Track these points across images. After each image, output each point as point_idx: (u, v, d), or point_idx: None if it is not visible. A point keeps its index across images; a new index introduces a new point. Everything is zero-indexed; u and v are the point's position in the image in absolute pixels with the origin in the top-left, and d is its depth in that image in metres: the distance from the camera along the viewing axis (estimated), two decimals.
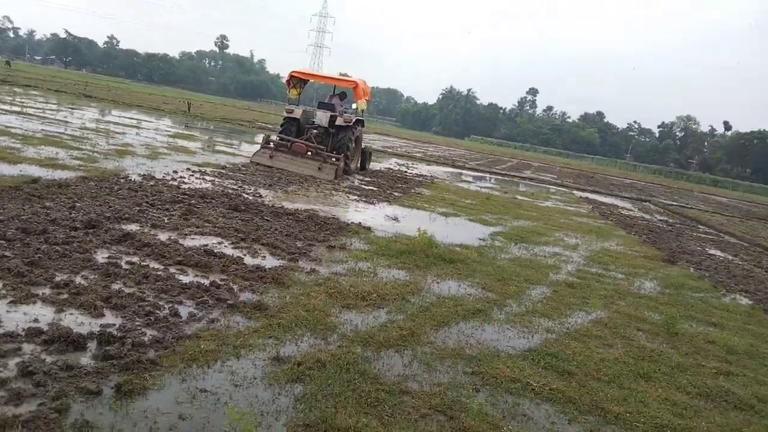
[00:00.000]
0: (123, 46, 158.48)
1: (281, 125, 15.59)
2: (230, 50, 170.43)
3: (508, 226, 11.38)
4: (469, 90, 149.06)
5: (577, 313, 6.11)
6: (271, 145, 14.39)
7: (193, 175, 10.63)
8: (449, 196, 14.86)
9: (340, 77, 19.92)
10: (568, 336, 5.31)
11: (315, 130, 14.92)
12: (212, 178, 10.70)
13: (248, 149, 18.27)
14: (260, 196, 9.68)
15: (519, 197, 18.03)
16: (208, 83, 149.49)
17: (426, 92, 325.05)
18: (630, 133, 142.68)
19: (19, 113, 16.66)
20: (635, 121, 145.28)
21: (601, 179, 41.67)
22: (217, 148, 17.00)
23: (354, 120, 15.19)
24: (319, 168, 13.74)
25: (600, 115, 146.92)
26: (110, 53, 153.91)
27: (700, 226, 18.82)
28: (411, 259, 7.11)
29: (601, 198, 24.16)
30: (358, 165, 16.75)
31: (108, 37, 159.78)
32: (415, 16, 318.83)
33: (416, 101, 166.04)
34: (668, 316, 6.30)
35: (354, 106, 16.38)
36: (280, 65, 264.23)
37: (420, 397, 3.60)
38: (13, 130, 12.44)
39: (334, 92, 16.87)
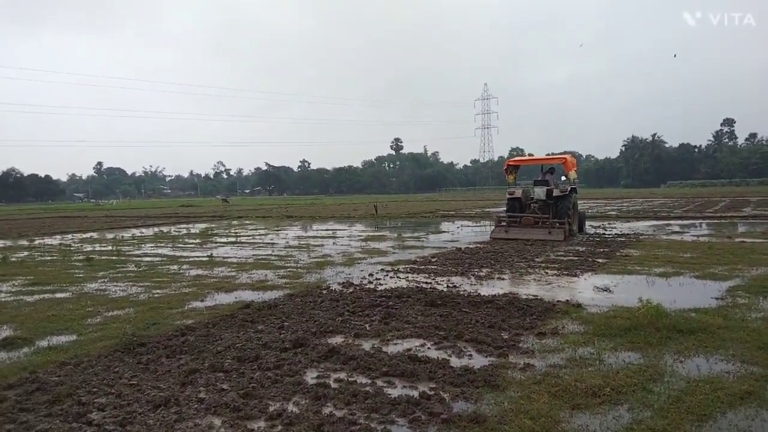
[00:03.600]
0: (314, 166, 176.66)
1: (506, 205, 18.67)
2: (405, 149, 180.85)
3: (747, 277, 9.58)
4: (654, 135, 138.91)
5: None
6: (503, 223, 17.63)
7: (387, 275, 10.71)
8: (662, 252, 13.19)
9: (549, 156, 24.77)
10: None
11: (535, 204, 17.64)
12: (405, 275, 10.67)
13: (434, 239, 18.34)
14: (454, 286, 9.34)
15: (748, 240, 15.47)
16: (389, 184, 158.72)
17: (605, 146, 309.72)
18: None
19: (234, 243, 18.69)
20: None
21: None
22: (406, 243, 17.28)
23: (569, 189, 17.43)
24: (549, 232, 16.43)
25: None
26: (304, 175, 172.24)
27: None
28: (639, 335, 6.10)
29: None
30: (576, 228, 18.22)
31: (300, 161, 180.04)
32: (575, 77, 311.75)
33: (596, 158, 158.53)
34: None
35: (563, 178, 18.49)
36: (452, 154, 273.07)
37: None
38: (229, 260, 13.83)
39: (542, 169, 19.38)
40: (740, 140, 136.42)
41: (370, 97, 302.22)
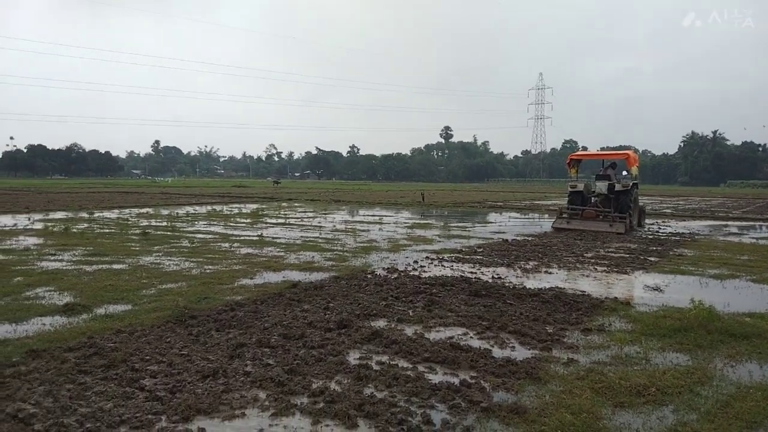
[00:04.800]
0: (363, 152, 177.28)
1: (568, 198, 18.98)
2: (454, 138, 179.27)
3: None
4: (715, 132, 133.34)
5: None
6: (565, 215, 18.19)
7: (432, 263, 10.73)
8: (718, 253, 12.73)
9: (612, 152, 24.77)
10: None
11: (597, 198, 18.21)
12: (450, 264, 10.67)
13: (480, 230, 18.22)
14: (500, 278, 9.28)
15: None
16: (437, 172, 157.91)
17: (663, 142, 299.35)
18: None
19: (283, 224, 19.04)
20: None
21: None
22: (452, 232, 17.22)
23: (631, 185, 17.71)
24: (610, 225, 16.88)
25: None
26: (353, 160, 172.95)
27: None
28: (688, 337, 5.94)
29: None
30: (636, 222, 18.60)
31: (350, 146, 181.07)
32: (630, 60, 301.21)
33: (653, 153, 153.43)
34: None
35: (624, 173, 18.55)
36: (503, 144, 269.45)
37: None
38: (278, 240, 14.11)
39: (603, 164, 19.70)
40: None
41: (423, 84, 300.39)
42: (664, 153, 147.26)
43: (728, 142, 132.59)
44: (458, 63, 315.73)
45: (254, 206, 29.52)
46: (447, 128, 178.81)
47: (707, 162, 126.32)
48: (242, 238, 14.64)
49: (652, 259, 11.77)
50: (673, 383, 4.62)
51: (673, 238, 16.13)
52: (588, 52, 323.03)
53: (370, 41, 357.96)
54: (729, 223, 22.97)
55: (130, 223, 18.70)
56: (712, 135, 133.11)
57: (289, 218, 21.89)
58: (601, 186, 18.08)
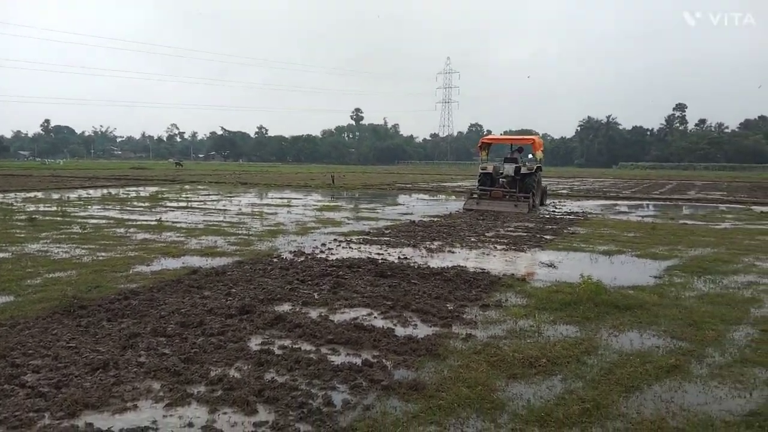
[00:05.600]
0: (272, 133, 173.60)
1: (478, 179, 20.11)
2: (365, 121, 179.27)
3: (685, 257, 10.00)
4: (608, 117, 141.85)
5: None
6: (475, 195, 19.23)
7: (339, 245, 10.73)
8: (608, 231, 13.62)
9: (519, 137, 27.82)
10: None
11: (504, 179, 19.43)
12: (358, 246, 10.72)
13: (389, 212, 18.42)
14: (405, 258, 9.43)
15: (689, 222, 16.11)
16: (348, 155, 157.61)
17: (561, 126, 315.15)
18: None
19: (185, 208, 18.32)
20: None
21: None
22: (361, 214, 17.30)
23: (535, 168, 19.52)
24: (515, 205, 17.98)
25: (764, 119, 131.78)
26: (261, 141, 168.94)
27: None
28: (578, 310, 6.32)
29: None
30: (539, 202, 20.11)
31: (258, 127, 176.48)
32: (533, 49, 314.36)
33: (552, 137, 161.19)
34: None
35: (530, 156, 20.74)
36: (412, 127, 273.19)
37: None
38: (179, 225, 13.57)
39: (511, 148, 21.20)
40: (690, 125, 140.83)
41: (332, 65, 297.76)
42: (562, 137, 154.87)
43: (620, 127, 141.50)
44: (369, 45, 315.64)
45: (154, 189, 28.21)
46: (358, 110, 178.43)
47: (601, 145, 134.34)
48: (139, 223, 13.95)
49: (548, 237, 12.39)
50: (562, 354, 4.89)
51: (568, 217, 17.05)
52: (494, 37, 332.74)
53: (280, 19, 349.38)
54: (619, 202, 24.61)
55: (15, 208, 17.31)
56: (605, 120, 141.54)
57: (191, 202, 21.09)
58: (509, 168, 19.49)
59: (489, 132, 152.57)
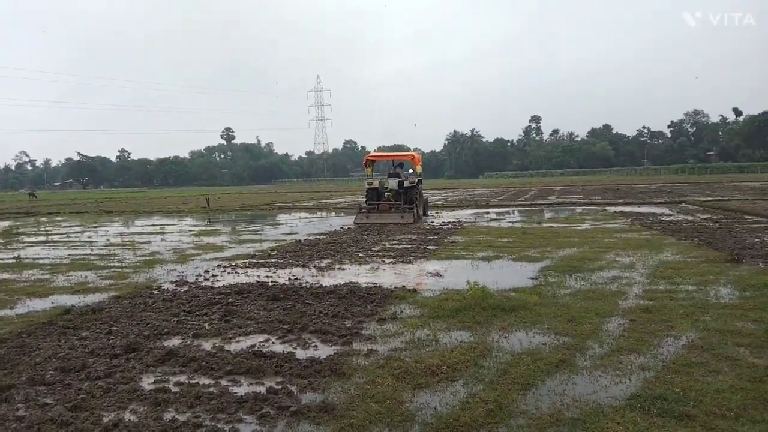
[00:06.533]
0: (135, 156, 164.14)
1: (366, 194, 21.23)
2: (237, 140, 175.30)
3: (555, 258, 10.82)
4: (472, 130, 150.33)
5: (665, 341, 5.51)
6: (364, 210, 20.05)
7: (224, 271, 10.37)
8: (484, 238, 14.38)
9: (400, 153, 31.10)
10: (668, 370, 4.72)
11: (389, 193, 20.53)
12: (244, 270, 10.43)
13: (272, 232, 18.12)
14: (296, 279, 9.33)
15: (554, 225, 17.44)
16: (221, 176, 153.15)
17: (430, 140, 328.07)
18: (642, 138, 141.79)
19: (45, 242, 16.78)
20: (644, 126, 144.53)
21: (627, 190, 40.79)
22: (243, 237, 16.85)
23: (416, 181, 20.85)
24: (401, 216, 19.08)
25: (607, 127, 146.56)
26: (124, 166, 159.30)
27: (746, 217, 17.96)
28: (468, 315, 6.61)
29: (636, 208, 23.40)
30: (422, 212, 21.38)
31: (119, 151, 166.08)
32: (393, 65, 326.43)
33: (423, 150, 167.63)
34: (767, 324, 5.67)
35: (411, 171, 21.90)
36: (288, 144, 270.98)
37: None
38: (41, 261, 12.41)
39: (393, 164, 22.31)
40: (546, 135, 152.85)
41: (196, 84, 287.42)
42: (432, 150, 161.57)
43: (484, 139, 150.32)
44: (236, 63, 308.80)
45: (5, 224, 25.55)
46: (228, 129, 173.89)
47: (468, 157, 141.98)
48: None
49: (431, 247, 12.83)
50: (460, 359, 5.09)
51: (446, 227, 17.75)
52: (360, 55, 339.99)
53: (136, 36, 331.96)
54: (489, 210, 26.05)
55: None
56: (470, 133, 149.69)
57: (51, 235, 19.37)
58: (393, 183, 20.73)
59: (363, 148, 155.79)
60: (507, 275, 9.30)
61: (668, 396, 4.16)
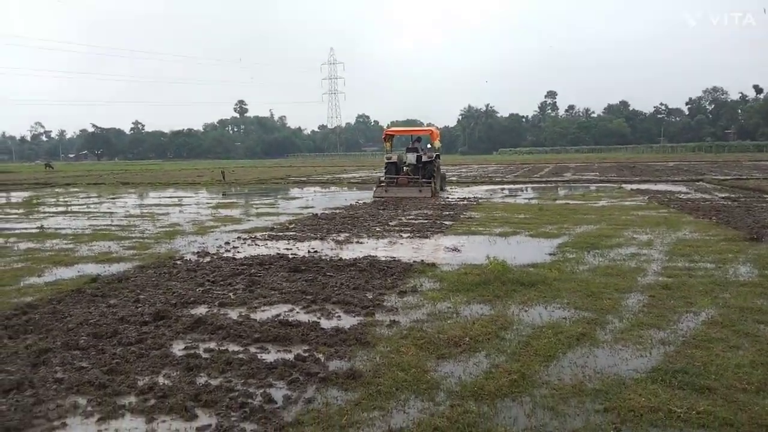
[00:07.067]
0: (149, 128, 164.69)
1: (385, 168, 21.54)
2: (250, 113, 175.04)
3: (573, 234, 10.84)
4: (487, 105, 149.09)
5: (685, 317, 5.57)
6: (383, 183, 20.53)
7: (245, 243, 10.52)
8: (500, 214, 14.40)
9: (419, 128, 30.81)
10: (688, 345, 4.78)
11: (407, 167, 20.89)
12: (264, 242, 10.57)
13: (289, 206, 18.25)
14: (316, 251, 9.45)
15: (571, 202, 17.41)
16: (234, 149, 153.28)
17: (445, 115, 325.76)
18: (659, 116, 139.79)
19: (65, 213, 17.05)
20: (662, 103, 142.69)
21: (644, 167, 40.39)
22: (260, 210, 17.00)
23: (434, 156, 21.18)
24: (419, 191, 19.63)
25: (624, 104, 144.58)
26: (138, 138, 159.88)
27: (765, 196, 17.79)
28: (488, 289, 6.69)
29: (652, 186, 23.24)
30: (439, 186, 21.59)
31: (133, 123, 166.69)
32: (413, 44, 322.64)
33: (437, 126, 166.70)
34: None
35: (429, 145, 22.42)
36: (301, 118, 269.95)
37: None
38: (63, 231, 12.63)
39: (412, 139, 22.53)
40: (561, 111, 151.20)
41: (211, 56, 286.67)
42: (446, 125, 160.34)
43: (498, 114, 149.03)
44: (249, 34, 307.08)
45: (25, 194, 25.92)
46: (241, 102, 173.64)
47: (482, 133, 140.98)
48: (18, 231, 12.83)
49: (447, 223, 12.89)
50: (482, 331, 5.18)
51: (462, 203, 17.79)
52: (376, 29, 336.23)
53: (151, 9, 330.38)
54: (504, 186, 26.01)
55: None
56: (485, 108, 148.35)
57: (71, 205, 19.65)
58: (411, 157, 20.99)
59: (377, 123, 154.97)
60: (525, 251, 9.35)
61: (689, 370, 4.23)
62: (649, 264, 8.03)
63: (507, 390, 3.97)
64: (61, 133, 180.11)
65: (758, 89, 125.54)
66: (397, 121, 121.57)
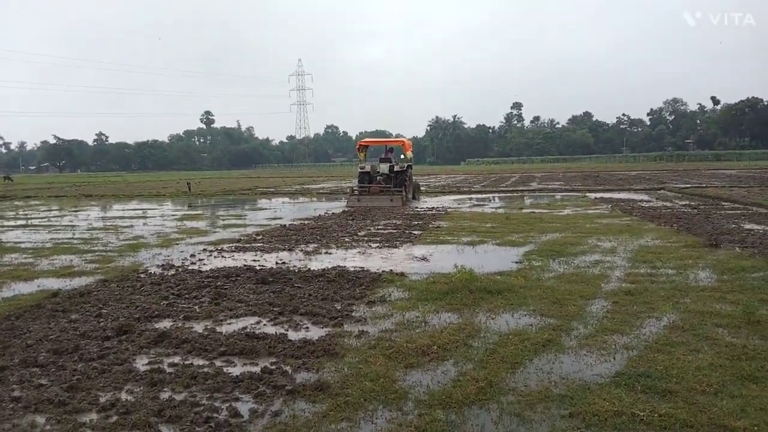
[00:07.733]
0: (113, 140, 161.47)
1: (358, 177, 22.19)
2: (217, 124, 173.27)
3: (538, 242, 10.99)
4: (454, 116, 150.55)
5: (647, 322, 5.69)
6: (356, 193, 21.06)
7: (211, 255, 10.37)
8: (468, 223, 14.52)
9: (391, 139, 33.36)
10: (650, 349, 4.89)
11: (380, 177, 21.47)
12: (230, 254, 10.44)
13: (256, 217, 18.09)
14: (284, 262, 9.37)
15: (536, 211, 17.66)
16: (201, 160, 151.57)
17: (413, 126, 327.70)
18: (621, 126, 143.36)
19: (24, 226, 16.58)
20: (624, 114, 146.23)
21: (607, 176, 41.31)
22: (227, 222, 16.80)
23: (406, 166, 21.89)
24: (391, 200, 20.00)
25: (588, 115, 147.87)
26: (101, 149, 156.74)
27: (723, 203, 18.36)
28: (456, 298, 6.73)
29: (615, 195, 23.76)
30: (411, 196, 22.24)
31: (96, 134, 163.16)
32: (377, 57, 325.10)
33: (404, 136, 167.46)
34: (744, 305, 5.88)
35: (402, 156, 23.48)
36: (268, 129, 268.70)
37: None
38: (22, 245, 12.28)
39: (385, 149, 23.25)
40: (527, 122, 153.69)
41: (176, 67, 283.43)
42: (414, 135, 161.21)
43: (465, 125, 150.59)
44: (216, 45, 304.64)
45: None
46: (208, 113, 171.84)
47: (450, 143, 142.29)
48: None
49: (416, 232, 12.94)
50: (450, 340, 5.21)
51: (430, 212, 17.87)
52: (343, 39, 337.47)
53: (115, 18, 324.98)
54: (472, 196, 26.25)
55: None
56: (452, 119, 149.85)
57: (30, 219, 19.12)
58: (384, 167, 21.60)
59: (345, 133, 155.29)
60: (492, 259, 9.44)
61: (651, 374, 4.32)
62: (613, 271, 8.19)
63: (474, 397, 4.00)
64: (22, 144, 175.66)
65: (715, 101, 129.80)
66: (366, 131, 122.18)
